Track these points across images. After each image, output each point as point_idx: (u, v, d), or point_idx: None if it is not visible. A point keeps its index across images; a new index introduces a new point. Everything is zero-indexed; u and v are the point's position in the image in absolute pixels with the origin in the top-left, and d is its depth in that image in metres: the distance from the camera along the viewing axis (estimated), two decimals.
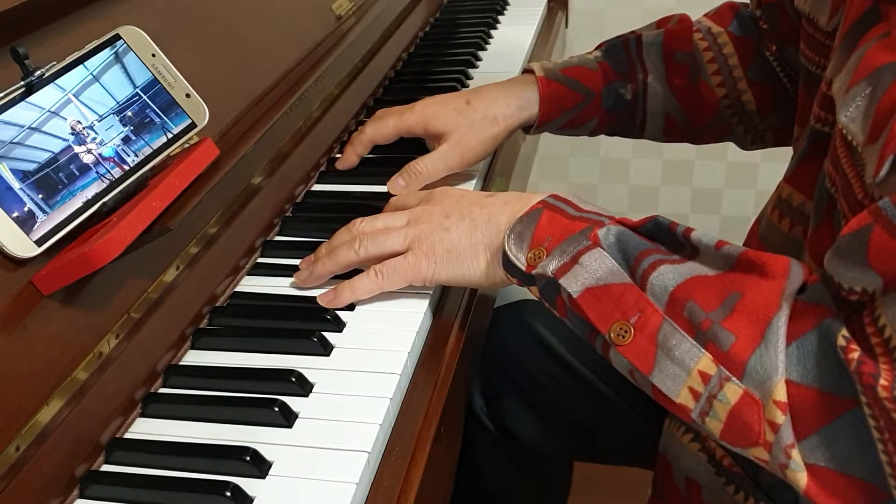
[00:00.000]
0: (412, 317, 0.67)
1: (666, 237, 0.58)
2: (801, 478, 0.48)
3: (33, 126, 0.58)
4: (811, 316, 0.49)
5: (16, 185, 0.55)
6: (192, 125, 0.67)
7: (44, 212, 0.56)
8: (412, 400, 0.62)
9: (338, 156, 0.91)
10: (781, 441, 0.48)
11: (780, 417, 0.48)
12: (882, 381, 0.44)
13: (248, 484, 0.53)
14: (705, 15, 0.91)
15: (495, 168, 0.93)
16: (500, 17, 1.34)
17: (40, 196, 0.56)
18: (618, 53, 0.89)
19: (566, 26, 1.49)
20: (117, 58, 0.65)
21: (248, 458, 0.54)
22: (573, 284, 0.57)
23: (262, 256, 0.77)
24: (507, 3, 1.40)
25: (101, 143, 0.61)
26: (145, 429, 0.60)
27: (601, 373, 0.85)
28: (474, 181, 0.87)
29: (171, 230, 0.62)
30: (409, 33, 1.22)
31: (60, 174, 0.58)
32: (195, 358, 0.66)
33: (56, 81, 0.60)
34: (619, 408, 0.84)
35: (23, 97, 0.58)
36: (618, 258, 0.57)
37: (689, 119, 0.89)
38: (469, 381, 0.81)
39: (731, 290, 0.52)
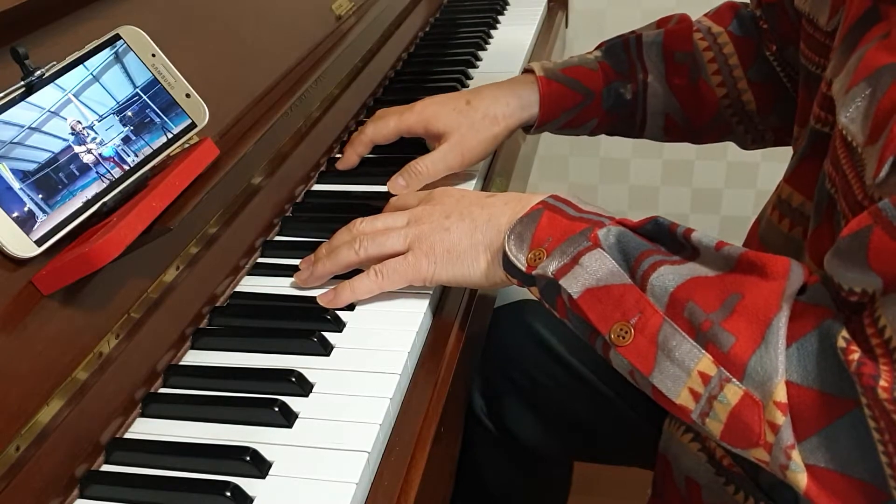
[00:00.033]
0: (412, 317, 0.67)
1: (666, 238, 0.58)
2: (801, 479, 0.48)
3: (33, 126, 0.58)
4: (811, 317, 0.49)
5: (16, 185, 0.55)
6: (192, 125, 0.67)
7: (44, 212, 0.56)
8: (412, 400, 0.62)
9: (338, 156, 0.91)
10: (781, 442, 0.48)
11: (781, 418, 0.48)
12: (882, 383, 0.44)
13: (248, 484, 0.53)
14: (705, 15, 0.91)
15: (495, 168, 0.93)
16: (500, 17, 1.34)
17: (40, 196, 0.56)
18: (618, 53, 0.89)
19: (566, 26, 1.49)
20: (117, 58, 0.65)
21: (248, 458, 0.54)
22: (573, 285, 0.57)
23: (262, 256, 0.77)
24: (507, 3, 1.40)
25: (101, 143, 0.61)
26: (145, 429, 0.60)
27: (601, 373, 0.85)
28: (474, 181, 0.87)
29: (171, 230, 0.62)
30: (409, 33, 1.22)
31: (60, 174, 0.58)
32: (195, 358, 0.66)
33: (56, 81, 0.60)
34: (619, 408, 0.84)
35: (23, 97, 0.58)
36: (618, 259, 0.57)
37: (690, 119, 0.89)
38: (469, 381, 0.81)
39: (732, 290, 0.52)
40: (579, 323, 0.58)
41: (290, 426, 0.58)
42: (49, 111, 0.59)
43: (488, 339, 0.88)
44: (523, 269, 0.61)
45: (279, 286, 0.73)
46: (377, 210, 0.76)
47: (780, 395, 0.47)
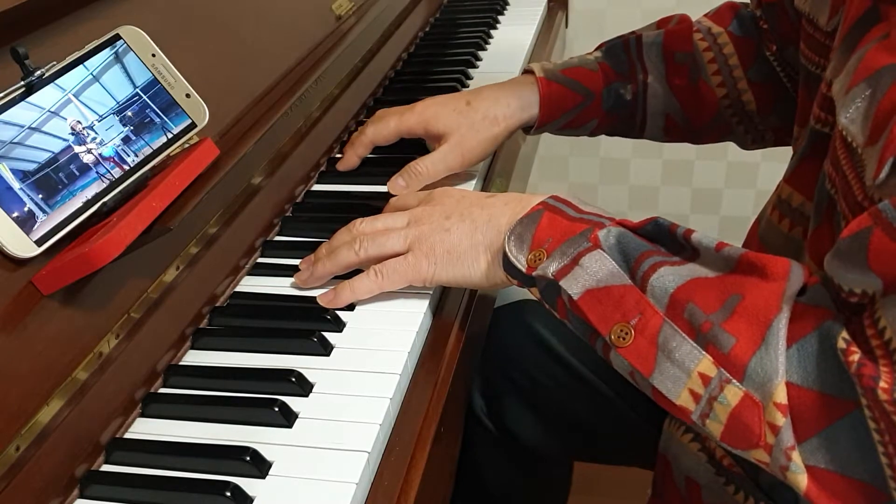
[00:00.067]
0: (412, 317, 0.67)
1: (666, 239, 0.58)
2: (801, 480, 0.48)
3: (33, 126, 0.58)
4: (811, 318, 0.49)
5: (16, 185, 0.55)
6: (192, 125, 0.67)
7: (44, 212, 0.56)
8: (412, 400, 0.62)
9: (338, 156, 0.91)
10: (782, 443, 0.48)
11: (781, 419, 0.48)
12: (882, 384, 0.44)
13: (248, 484, 0.53)
14: (705, 15, 0.91)
15: (495, 168, 0.93)
16: (500, 17, 1.34)
17: (40, 196, 0.56)
18: (618, 54, 0.89)
19: (566, 26, 1.49)
20: (117, 58, 0.65)
21: (248, 458, 0.54)
22: (573, 286, 0.57)
23: (262, 256, 0.77)
24: (507, 3, 1.40)
25: (101, 143, 0.61)
26: (145, 429, 0.60)
27: (601, 373, 0.85)
28: (474, 181, 0.87)
29: (171, 230, 0.62)
30: (409, 33, 1.22)
31: (60, 174, 0.58)
32: (195, 358, 0.66)
33: (56, 81, 0.60)
34: (619, 408, 0.84)
35: (23, 97, 0.58)
36: (618, 260, 0.57)
37: (690, 119, 0.89)
38: (469, 381, 0.81)
39: (732, 291, 0.52)
40: (579, 324, 0.58)
41: (290, 426, 0.58)
42: (49, 111, 0.59)
43: (488, 339, 0.88)
44: (523, 269, 0.61)
45: (279, 286, 0.73)
46: (377, 210, 0.76)
47: (781, 396, 0.47)
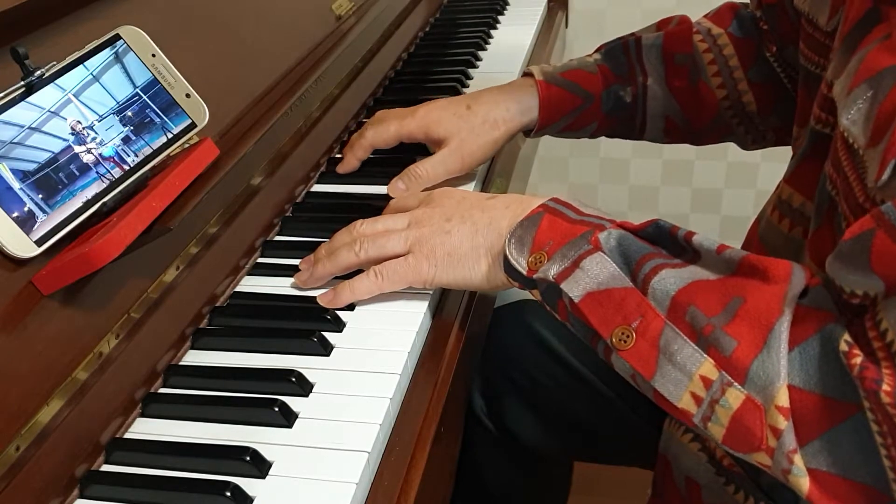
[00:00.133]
0: (412, 317, 0.67)
1: (667, 241, 0.58)
2: (803, 483, 0.48)
3: (33, 126, 0.58)
4: (813, 321, 0.49)
5: (16, 185, 0.55)
6: (192, 125, 0.67)
7: (44, 212, 0.56)
8: (412, 400, 0.62)
9: (338, 156, 0.91)
10: (784, 446, 0.48)
11: (783, 423, 0.47)
12: (885, 387, 0.44)
13: (248, 484, 0.53)
14: (705, 16, 0.91)
15: (495, 169, 0.93)
16: (500, 18, 1.34)
17: (40, 196, 0.56)
18: (617, 56, 0.89)
19: (566, 26, 1.49)
20: (117, 58, 0.65)
21: (248, 458, 0.54)
22: (574, 289, 0.57)
23: (262, 256, 0.77)
24: (507, 3, 1.40)
25: (101, 143, 0.61)
26: (145, 429, 0.60)
27: (601, 373, 0.85)
28: (474, 182, 0.87)
29: (171, 230, 0.62)
30: (409, 33, 1.22)
31: (60, 174, 0.58)
32: (195, 358, 0.66)
33: (56, 81, 0.60)
34: (619, 408, 0.84)
35: (23, 97, 0.58)
36: (619, 262, 0.57)
37: (690, 121, 0.89)
38: (469, 381, 0.81)
39: (733, 294, 0.51)
40: (580, 326, 0.58)
41: (290, 426, 0.58)
42: (49, 111, 0.59)
43: (488, 339, 0.87)
44: (524, 272, 0.61)
45: (279, 286, 0.73)
46: (377, 210, 0.76)
47: (782, 399, 0.47)
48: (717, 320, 0.51)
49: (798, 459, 0.48)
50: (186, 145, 0.67)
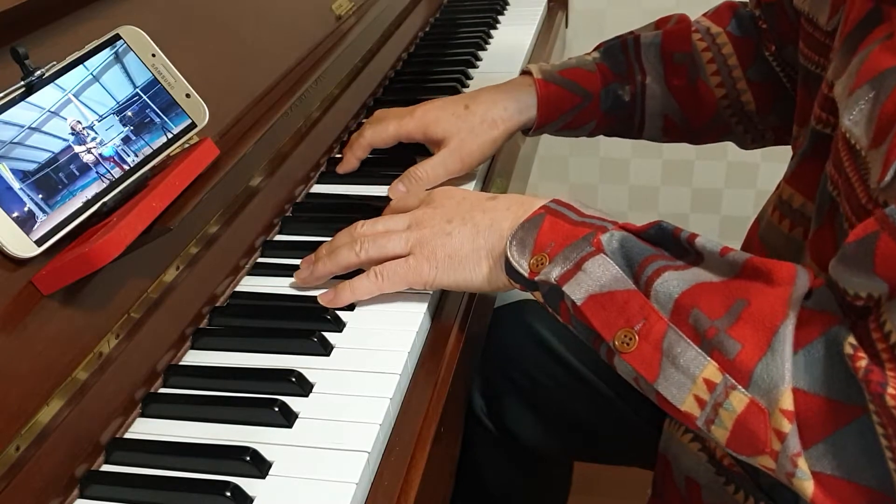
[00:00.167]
0: (412, 317, 0.67)
1: (670, 242, 0.58)
2: (807, 486, 0.47)
3: (33, 126, 0.58)
4: (818, 323, 0.48)
5: (16, 185, 0.55)
6: (192, 125, 0.67)
7: (44, 212, 0.56)
8: (412, 400, 0.62)
9: (338, 156, 0.91)
10: (788, 450, 0.47)
11: (787, 426, 0.47)
12: (890, 390, 0.44)
13: (248, 484, 0.53)
14: (704, 15, 0.91)
15: (495, 169, 0.93)
16: (500, 18, 1.34)
17: (40, 196, 0.56)
18: (616, 55, 0.89)
19: (566, 26, 1.49)
20: (117, 58, 0.65)
21: (248, 458, 0.54)
22: (577, 292, 0.57)
23: (262, 256, 0.77)
24: (507, 3, 1.40)
25: (101, 143, 0.61)
26: (145, 429, 0.60)
27: (601, 373, 0.85)
28: (474, 182, 0.87)
29: (171, 230, 0.62)
30: (409, 33, 1.22)
31: (60, 174, 0.58)
32: (195, 358, 0.66)
33: (56, 81, 0.60)
34: (619, 408, 0.84)
35: (23, 97, 0.58)
36: (621, 264, 0.57)
37: (688, 120, 0.89)
38: (469, 381, 0.81)
39: (737, 297, 0.51)
40: (583, 329, 0.58)
41: (290, 426, 0.58)
42: (49, 111, 0.59)
43: (488, 339, 0.87)
44: (525, 274, 0.61)
45: (279, 286, 0.73)
46: (377, 211, 0.76)
47: (787, 402, 0.47)
48: (721, 323, 0.50)
49: (802, 463, 0.47)
50: (186, 145, 0.67)
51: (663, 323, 0.53)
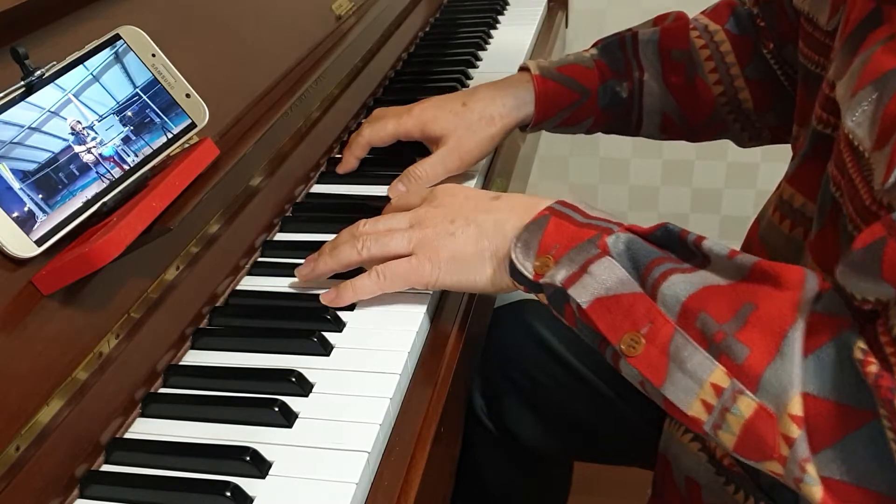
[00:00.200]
0: (412, 317, 0.67)
1: (676, 245, 0.57)
2: (815, 492, 0.47)
3: (33, 126, 0.58)
4: (828, 327, 0.48)
5: (16, 185, 0.55)
6: (192, 125, 0.67)
7: (44, 212, 0.56)
8: (412, 400, 0.62)
9: (338, 156, 0.91)
10: (796, 455, 0.47)
11: (796, 431, 0.47)
12: None
13: (248, 484, 0.53)
14: (702, 12, 0.91)
15: (495, 168, 0.93)
16: (500, 17, 1.34)
17: (40, 196, 0.56)
18: (614, 51, 0.89)
19: (566, 26, 1.49)
20: (117, 58, 0.65)
21: (248, 458, 0.54)
22: (582, 294, 0.56)
23: (262, 256, 0.77)
24: (507, 3, 1.40)
25: (101, 143, 0.61)
26: (145, 429, 0.60)
27: (601, 373, 0.85)
28: (474, 181, 0.87)
29: (171, 230, 0.62)
30: (409, 33, 1.22)
31: (60, 174, 0.58)
32: (195, 358, 0.66)
33: (56, 81, 0.60)
34: (619, 408, 0.84)
35: (23, 97, 0.58)
36: (628, 267, 0.56)
37: (686, 117, 0.89)
38: (469, 381, 0.81)
39: (745, 300, 0.51)
40: (588, 332, 0.57)
41: (290, 426, 0.58)
42: (49, 111, 0.59)
43: (488, 339, 0.87)
44: (530, 276, 0.60)
45: (279, 286, 0.73)
46: (377, 211, 0.76)
47: (796, 407, 0.47)
48: (729, 327, 0.50)
49: (811, 468, 0.47)
50: (186, 145, 0.67)
51: (670, 326, 0.52)
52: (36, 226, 0.55)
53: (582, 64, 0.89)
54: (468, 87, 1.09)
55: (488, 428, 0.91)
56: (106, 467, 0.57)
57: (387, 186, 0.84)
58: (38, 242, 0.55)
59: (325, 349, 0.64)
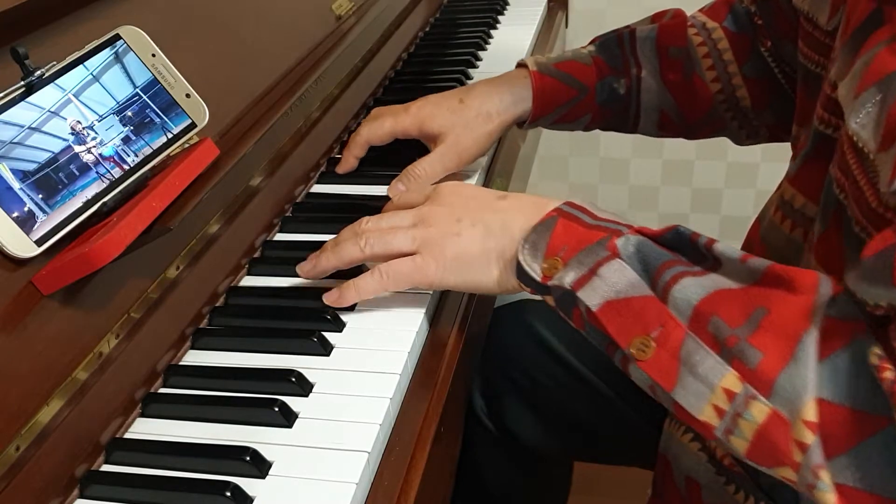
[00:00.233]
0: (412, 317, 0.67)
1: (687, 248, 0.56)
2: (829, 499, 0.46)
3: (33, 126, 0.58)
4: (842, 333, 0.47)
5: (16, 185, 0.55)
6: (192, 125, 0.67)
7: (44, 212, 0.56)
8: (412, 400, 0.62)
9: (338, 156, 0.91)
10: (810, 461, 0.46)
11: (810, 437, 0.46)
12: None
13: (248, 484, 0.53)
14: (700, 10, 0.91)
15: (495, 168, 0.93)
16: (500, 17, 1.34)
17: (40, 196, 0.56)
18: (612, 48, 0.89)
19: (566, 26, 1.49)
20: (117, 58, 0.65)
21: (248, 458, 0.54)
22: (592, 297, 0.55)
23: (262, 256, 0.77)
24: (507, 3, 1.40)
25: (101, 143, 0.61)
26: (145, 429, 0.60)
27: (601, 373, 0.85)
28: (474, 181, 0.87)
29: (171, 230, 0.62)
30: (409, 33, 1.22)
31: (60, 174, 0.58)
32: (195, 358, 0.66)
33: (56, 81, 0.60)
34: (619, 408, 0.84)
35: (23, 97, 0.58)
36: (638, 269, 0.55)
37: (684, 114, 0.89)
38: (469, 381, 0.81)
39: (757, 304, 0.50)
40: (597, 335, 0.57)
41: (290, 426, 0.58)
42: (49, 111, 0.59)
43: (488, 339, 0.87)
44: (538, 278, 0.60)
45: (279, 286, 0.73)
46: (377, 211, 0.75)
47: (810, 413, 0.46)
48: (741, 331, 0.49)
49: (825, 475, 0.46)
50: (186, 145, 0.67)
51: (681, 330, 0.51)
52: (36, 226, 0.55)
53: (580, 60, 0.89)
54: None
55: (488, 428, 0.91)
56: (106, 467, 0.57)
57: (387, 186, 0.84)
58: (38, 242, 0.55)
59: (325, 349, 0.64)
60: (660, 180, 1.85)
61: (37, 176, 0.56)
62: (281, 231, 0.81)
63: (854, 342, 0.47)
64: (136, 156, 0.63)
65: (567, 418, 0.88)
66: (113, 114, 0.63)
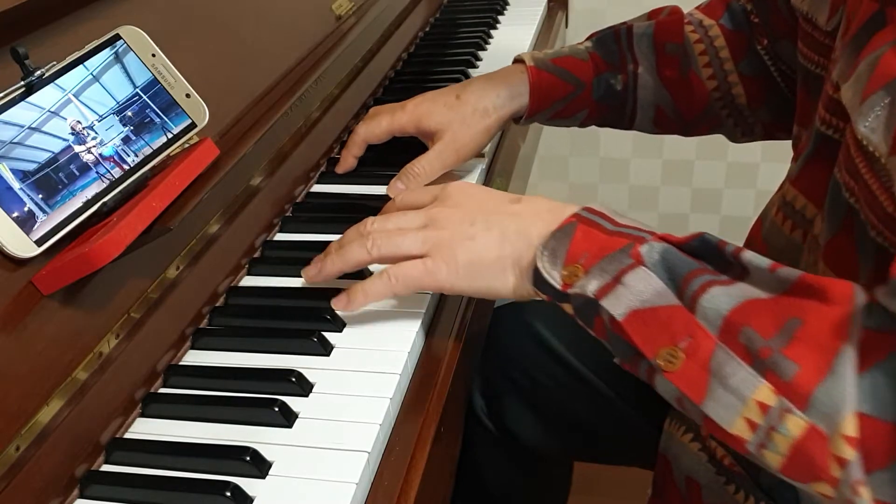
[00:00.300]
0: (412, 317, 0.67)
1: (714, 256, 0.54)
2: None
3: (33, 126, 0.58)
4: (881, 345, 0.46)
5: (16, 185, 0.55)
6: (192, 125, 0.67)
7: (44, 212, 0.56)
8: (412, 400, 0.62)
9: (338, 156, 0.91)
10: (849, 477, 0.45)
11: (850, 453, 0.45)
12: None
13: (248, 484, 0.53)
14: (697, 7, 0.91)
15: (495, 168, 0.93)
16: (500, 17, 1.34)
17: (40, 196, 0.56)
18: (608, 44, 0.89)
19: (566, 26, 1.49)
20: (117, 58, 0.65)
21: (248, 458, 0.54)
22: (617, 306, 0.53)
23: (262, 256, 0.77)
24: (507, 3, 1.40)
25: (101, 143, 0.61)
26: (145, 429, 0.60)
27: (601, 373, 0.85)
28: (474, 181, 0.87)
29: (171, 230, 0.62)
30: (409, 33, 1.22)
31: (60, 174, 0.58)
32: (195, 358, 0.66)
33: (56, 81, 0.60)
34: (619, 408, 0.84)
35: (23, 97, 0.58)
36: (664, 278, 0.53)
37: (680, 111, 0.89)
38: (469, 381, 0.81)
39: (790, 315, 0.48)
40: (621, 345, 0.55)
41: (290, 426, 0.58)
42: (49, 111, 0.59)
43: (488, 339, 0.87)
44: (558, 286, 0.58)
45: (279, 286, 0.73)
46: (377, 211, 0.75)
47: (850, 428, 0.45)
48: (774, 343, 0.48)
49: (864, 491, 0.45)
50: (186, 145, 0.67)
51: (711, 341, 0.50)
52: (36, 226, 0.55)
53: (576, 56, 0.89)
54: None
55: (488, 428, 0.91)
56: (106, 467, 0.57)
57: (386, 186, 0.84)
58: (38, 242, 0.55)
59: (325, 349, 0.64)
60: (660, 180, 1.85)
61: (37, 176, 0.56)
62: (281, 231, 0.81)
63: (893, 354, 0.45)
64: (136, 156, 0.63)
65: (567, 418, 0.88)
66: (113, 114, 0.63)
